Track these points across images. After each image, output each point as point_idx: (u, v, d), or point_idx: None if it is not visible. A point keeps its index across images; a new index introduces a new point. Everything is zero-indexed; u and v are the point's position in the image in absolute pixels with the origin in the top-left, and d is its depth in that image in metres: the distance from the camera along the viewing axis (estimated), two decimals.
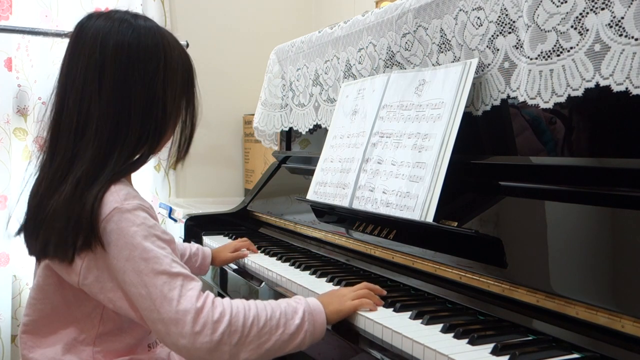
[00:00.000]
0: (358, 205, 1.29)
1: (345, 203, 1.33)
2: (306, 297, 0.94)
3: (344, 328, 0.94)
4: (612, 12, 0.86)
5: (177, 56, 0.97)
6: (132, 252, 0.85)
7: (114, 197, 0.88)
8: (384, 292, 1.01)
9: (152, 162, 1.03)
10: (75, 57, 0.93)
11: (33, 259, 0.97)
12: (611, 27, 0.87)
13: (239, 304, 0.87)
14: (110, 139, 0.91)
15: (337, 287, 1.10)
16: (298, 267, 1.29)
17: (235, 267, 1.46)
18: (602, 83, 0.88)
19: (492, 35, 1.10)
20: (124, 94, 0.91)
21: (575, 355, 0.75)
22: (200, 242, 1.75)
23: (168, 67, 0.95)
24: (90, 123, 0.91)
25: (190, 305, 0.83)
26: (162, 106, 0.94)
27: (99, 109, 0.91)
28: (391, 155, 1.23)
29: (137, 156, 0.94)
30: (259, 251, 1.48)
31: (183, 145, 1.02)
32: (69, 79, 0.93)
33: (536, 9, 0.99)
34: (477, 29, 1.14)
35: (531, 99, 1.01)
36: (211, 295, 0.87)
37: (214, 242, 1.65)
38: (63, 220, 0.87)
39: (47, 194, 0.90)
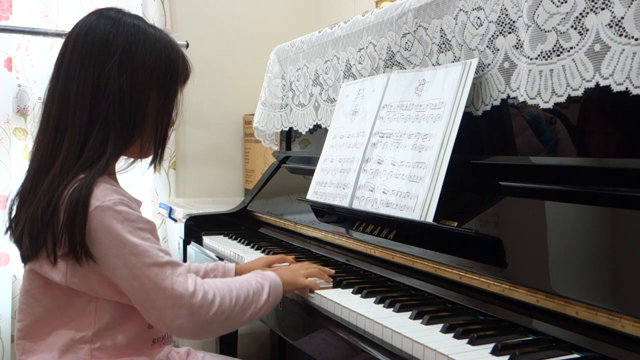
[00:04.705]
0: (358, 205, 1.29)
1: (345, 203, 1.33)
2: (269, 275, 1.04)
3: (344, 328, 0.95)
4: (612, 12, 0.86)
5: (151, 53, 0.94)
6: (121, 249, 0.87)
7: (93, 194, 0.88)
8: (332, 272, 1.12)
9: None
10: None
11: None
12: (611, 27, 0.87)
13: (220, 285, 0.95)
14: (60, 125, 0.92)
15: (338, 287, 1.10)
16: None
17: None
18: (602, 83, 0.88)
19: (492, 35, 1.10)
20: (75, 80, 0.92)
21: (575, 355, 0.75)
22: (200, 242, 1.75)
23: (131, 61, 0.93)
24: (51, 112, 0.94)
25: (183, 290, 0.89)
26: (120, 99, 0.92)
27: (54, 96, 0.94)
28: (391, 155, 1.23)
29: (98, 149, 0.91)
30: (259, 251, 1.48)
31: (158, 147, 0.99)
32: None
33: (536, 9, 0.99)
34: (477, 29, 1.14)
35: (531, 99, 1.01)
36: (197, 278, 0.93)
37: (214, 242, 1.65)
38: (36, 222, 0.88)
39: (24, 191, 0.93)
